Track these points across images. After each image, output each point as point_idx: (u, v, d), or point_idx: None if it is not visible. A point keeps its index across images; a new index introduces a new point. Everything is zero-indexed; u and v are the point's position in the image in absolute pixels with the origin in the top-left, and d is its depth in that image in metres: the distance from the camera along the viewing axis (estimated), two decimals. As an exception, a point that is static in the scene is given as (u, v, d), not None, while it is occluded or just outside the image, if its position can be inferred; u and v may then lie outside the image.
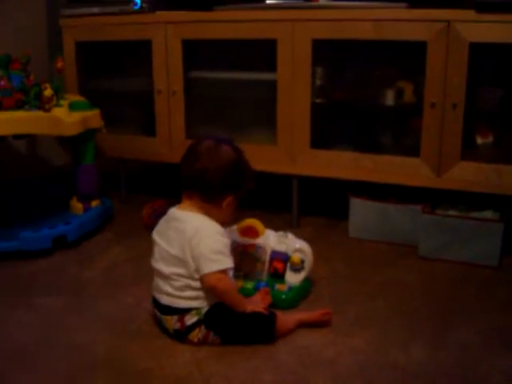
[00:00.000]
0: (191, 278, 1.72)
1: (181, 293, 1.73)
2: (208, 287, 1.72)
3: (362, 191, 2.50)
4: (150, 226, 2.50)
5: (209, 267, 1.70)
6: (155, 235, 1.83)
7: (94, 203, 2.63)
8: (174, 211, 1.81)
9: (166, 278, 1.75)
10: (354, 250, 2.42)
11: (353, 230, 2.51)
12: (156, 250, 1.81)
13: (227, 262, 1.73)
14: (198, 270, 1.71)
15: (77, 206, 2.60)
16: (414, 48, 2.27)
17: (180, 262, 1.72)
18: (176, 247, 1.74)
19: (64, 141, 3.32)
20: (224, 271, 1.72)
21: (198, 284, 1.72)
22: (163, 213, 1.92)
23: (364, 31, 2.31)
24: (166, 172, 3.28)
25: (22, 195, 2.92)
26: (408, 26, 2.25)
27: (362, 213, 2.47)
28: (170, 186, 3.05)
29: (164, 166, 2.88)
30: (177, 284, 1.73)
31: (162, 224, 1.84)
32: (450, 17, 2.19)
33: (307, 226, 2.63)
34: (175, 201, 1.91)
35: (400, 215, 2.41)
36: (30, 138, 3.26)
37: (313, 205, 2.84)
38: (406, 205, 2.40)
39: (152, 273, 1.85)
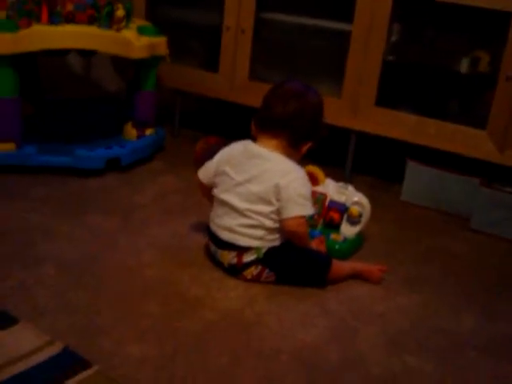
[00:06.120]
0: (267, 216, 1.71)
1: (247, 230, 1.72)
2: (288, 230, 1.73)
3: (418, 156, 2.47)
4: (201, 161, 2.49)
5: (295, 211, 1.70)
6: (225, 166, 1.79)
7: (148, 131, 2.61)
8: (258, 148, 1.76)
9: (236, 212, 1.74)
10: (404, 213, 2.40)
11: (406, 194, 2.48)
12: (226, 181, 1.78)
13: (311, 209, 1.74)
14: (281, 212, 1.70)
15: (131, 131, 2.58)
16: (498, 17, 2.19)
17: (261, 199, 1.71)
18: (259, 185, 1.71)
19: (119, 67, 3.30)
20: (305, 216, 1.72)
21: (271, 224, 1.72)
22: (217, 150, 1.90)
23: (450, -7, 2.24)
24: (222, 110, 3.25)
25: (77, 114, 2.91)
26: (495, -7, 2.18)
27: (417, 178, 2.44)
28: (224, 124, 3.05)
29: (220, 104, 2.85)
30: (248, 221, 1.72)
31: (236, 157, 1.79)
32: (540, -11, 2.12)
33: (359, 184, 2.59)
34: (229, 140, 1.89)
35: (456, 185, 2.38)
36: (87, 61, 3.24)
37: (366, 163, 2.80)
38: (464, 176, 2.36)
39: (202, 206, 1.83)
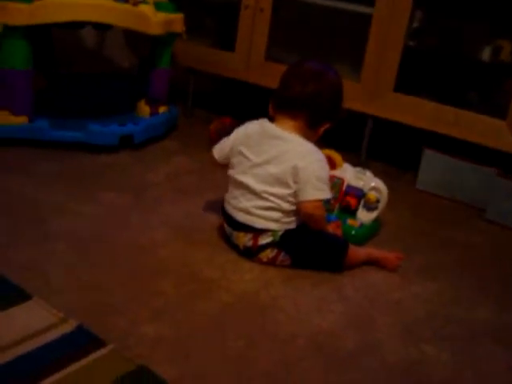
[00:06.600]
0: (284, 199, 1.68)
1: (264, 212, 1.69)
2: (304, 213, 1.70)
3: (432, 144, 2.43)
4: (216, 142, 2.46)
5: (312, 194, 1.67)
6: (241, 146, 1.76)
7: (162, 109, 2.58)
8: (276, 129, 1.72)
9: (253, 194, 1.71)
10: (419, 201, 2.38)
11: (421, 182, 2.46)
12: (242, 162, 1.75)
13: (328, 193, 1.71)
14: (298, 194, 1.67)
15: (144, 108, 2.54)
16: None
17: (278, 181, 1.68)
18: (277, 166, 1.68)
19: (133, 43, 3.26)
20: (322, 200, 1.70)
21: (287, 206, 1.69)
22: (232, 131, 1.87)
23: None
24: (235, 91, 3.21)
25: (89, 89, 2.87)
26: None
27: (433, 166, 2.41)
28: (238, 105, 3.01)
29: (234, 84, 2.81)
30: (264, 203, 1.69)
31: (253, 137, 1.75)
32: None
33: (373, 170, 2.55)
34: (244, 122, 1.85)
35: (472, 175, 2.35)
36: (101, 36, 3.20)
37: (381, 150, 2.76)
38: (480, 166, 2.33)
39: (216, 188, 1.80)
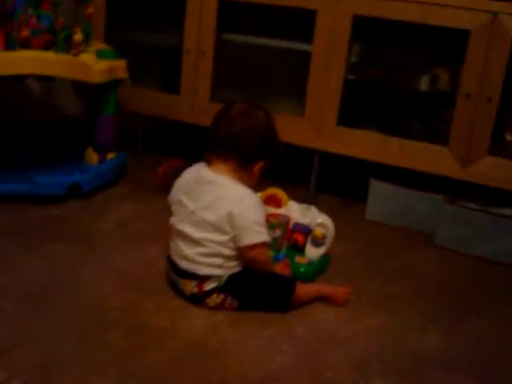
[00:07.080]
0: (223, 245, 1.68)
1: (206, 259, 1.69)
2: (248, 258, 1.70)
3: (380, 174, 2.47)
4: (164, 185, 2.46)
5: (252, 239, 1.67)
6: (181, 195, 1.76)
7: (110, 156, 2.57)
8: (208, 173, 1.72)
9: (193, 242, 1.70)
10: (369, 232, 2.40)
11: (370, 213, 2.48)
12: (181, 210, 1.75)
13: (267, 235, 1.71)
14: (237, 240, 1.67)
15: (92, 156, 2.54)
16: (456, 36, 2.22)
17: (215, 228, 1.68)
18: (213, 213, 1.68)
19: (80, 89, 3.26)
20: (262, 243, 1.70)
21: (228, 251, 1.69)
22: (180, 173, 1.87)
23: (408, 13, 2.25)
24: (183, 133, 3.22)
25: (35, 139, 2.84)
26: (454, 12, 2.20)
27: (381, 196, 2.44)
28: (186, 147, 3.02)
29: (182, 126, 2.83)
30: (205, 250, 1.69)
31: (189, 184, 1.76)
32: (497, 8, 2.15)
33: (324, 203, 2.58)
34: (192, 163, 1.86)
35: (420, 203, 2.38)
36: (46, 84, 3.19)
37: (329, 182, 2.80)
38: (427, 193, 2.37)
39: (166, 232, 1.81)
